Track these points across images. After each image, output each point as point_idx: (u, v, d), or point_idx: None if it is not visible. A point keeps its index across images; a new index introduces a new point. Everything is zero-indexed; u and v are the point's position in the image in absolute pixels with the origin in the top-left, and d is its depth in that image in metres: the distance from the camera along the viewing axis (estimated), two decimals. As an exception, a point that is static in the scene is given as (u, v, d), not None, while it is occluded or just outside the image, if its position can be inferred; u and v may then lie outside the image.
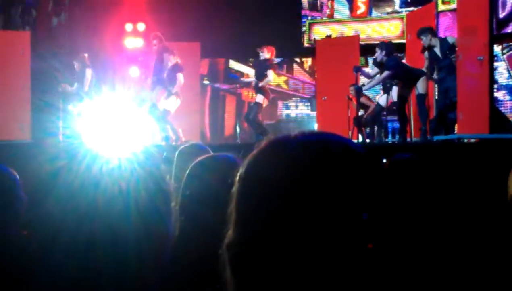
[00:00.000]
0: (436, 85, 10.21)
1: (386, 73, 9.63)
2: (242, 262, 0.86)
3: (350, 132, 10.09)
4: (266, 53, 10.83)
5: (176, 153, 3.35)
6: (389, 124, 11.76)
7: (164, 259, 1.13)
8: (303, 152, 0.87)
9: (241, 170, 0.91)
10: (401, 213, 2.62)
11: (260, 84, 10.63)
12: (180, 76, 10.67)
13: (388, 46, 9.95)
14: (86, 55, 11.41)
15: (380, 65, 9.92)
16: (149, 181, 1.11)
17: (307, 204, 0.82)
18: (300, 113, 15.30)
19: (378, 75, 10.05)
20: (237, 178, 0.91)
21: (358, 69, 10.17)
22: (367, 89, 10.51)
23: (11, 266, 2.35)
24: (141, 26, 13.45)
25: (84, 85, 11.16)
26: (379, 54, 9.84)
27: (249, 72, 15.20)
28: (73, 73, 11.42)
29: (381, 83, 10.26)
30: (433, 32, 9.99)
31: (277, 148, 0.90)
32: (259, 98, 10.73)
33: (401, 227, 2.60)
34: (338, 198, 0.83)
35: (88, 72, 11.18)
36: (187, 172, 2.19)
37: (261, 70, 10.79)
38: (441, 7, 13.70)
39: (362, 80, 10.70)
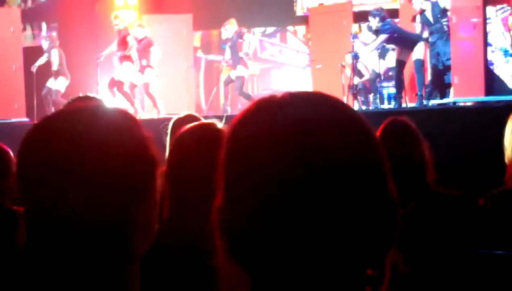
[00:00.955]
0: (428, 50, 10.18)
1: (381, 37, 9.57)
2: (230, 225, 0.85)
3: (345, 98, 10.06)
4: (231, 27, 10.88)
5: (170, 123, 3.34)
6: (385, 91, 11.73)
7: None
8: (289, 110, 0.85)
9: (228, 129, 0.89)
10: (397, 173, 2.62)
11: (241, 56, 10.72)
12: (154, 50, 10.72)
13: (381, 12, 9.88)
14: (53, 34, 11.36)
15: (376, 32, 9.85)
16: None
17: (293, 164, 0.80)
18: (295, 83, 15.24)
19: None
20: (225, 140, 0.88)
21: (355, 36, 10.13)
22: (365, 55, 10.42)
23: (4, 242, 2.35)
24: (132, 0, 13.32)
25: (53, 65, 11.09)
26: (373, 22, 9.76)
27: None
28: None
29: (377, 50, 10.20)
30: None
31: (263, 107, 0.88)
32: (241, 70, 10.79)
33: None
34: (326, 157, 0.81)
35: (55, 52, 11.08)
36: (177, 140, 2.20)
37: (234, 44, 10.78)
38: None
39: (357, 48, 10.64)
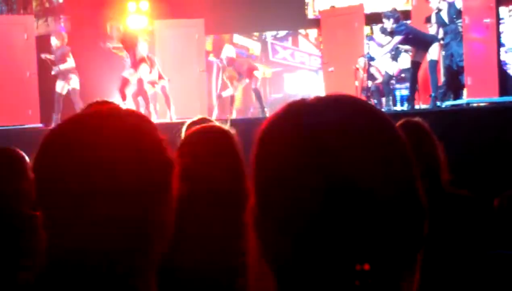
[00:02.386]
0: (442, 51, 10.14)
1: (396, 38, 9.52)
2: (263, 224, 0.86)
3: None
4: None
5: (184, 127, 3.34)
6: (398, 93, 11.69)
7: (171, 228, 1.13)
8: (317, 116, 0.85)
9: (259, 134, 0.89)
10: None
11: None
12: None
13: (395, 13, 9.85)
14: (64, 33, 11.34)
15: (391, 33, 9.81)
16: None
17: (322, 168, 0.80)
18: (307, 86, 15.23)
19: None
20: (255, 143, 0.89)
21: (370, 38, 10.10)
22: (381, 56, 10.36)
23: (22, 246, 2.37)
24: (144, 5, 13.37)
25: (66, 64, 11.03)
26: (388, 23, 9.71)
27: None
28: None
29: (391, 52, 10.16)
30: None
31: (291, 112, 0.88)
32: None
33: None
34: (357, 159, 0.81)
35: (67, 49, 11.04)
36: (184, 140, 2.23)
37: None
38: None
39: (371, 50, 10.61)
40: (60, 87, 10.92)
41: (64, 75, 10.88)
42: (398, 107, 10.83)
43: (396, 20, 9.59)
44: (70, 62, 10.89)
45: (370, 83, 10.66)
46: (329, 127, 0.83)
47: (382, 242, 0.80)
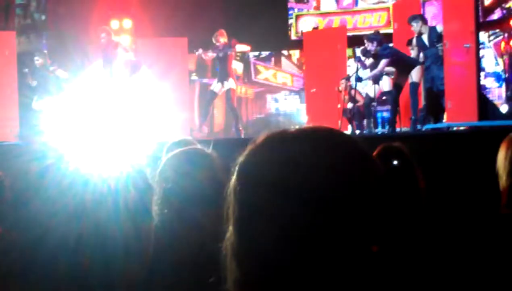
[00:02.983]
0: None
1: (383, 61, 9.58)
2: (243, 258, 0.87)
3: (339, 122, 10.08)
4: (222, 39, 10.87)
5: (165, 148, 3.33)
6: (379, 115, 11.77)
7: (149, 254, 1.12)
8: (300, 146, 0.87)
9: (238, 166, 0.89)
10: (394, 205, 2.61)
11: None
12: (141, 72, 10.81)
13: (378, 36, 9.93)
14: (45, 52, 11.30)
15: (374, 56, 9.88)
16: (136, 177, 1.10)
17: (306, 199, 0.82)
18: (289, 107, 15.28)
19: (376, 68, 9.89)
20: (234, 175, 0.90)
21: (359, 59, 10.16)
22: (368, 78, 10.39)
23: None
24: (127, 23, 13.38)
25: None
26: (371, 46, 9.76)
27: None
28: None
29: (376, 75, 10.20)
30: (424, 19, 10.01)
31: (274, 144, 0.89)
32: (232, 83, 10.84)
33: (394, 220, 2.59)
34: (339, 190, 0.83)
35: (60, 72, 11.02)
36: (164, 165, 2.21)
37: (225, 56, 10.90)
38: (427, -5, 13.73)
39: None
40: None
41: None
42: (379, 130, 10.89)
43: (379, 43, 9.67)
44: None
45: (351, 105, 10.72)
46: (304, 160, 0.84)
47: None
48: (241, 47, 11.17)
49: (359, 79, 9.99)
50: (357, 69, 10.02)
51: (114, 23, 13.31)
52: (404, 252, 2.49)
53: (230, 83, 10.82)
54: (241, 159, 0.90)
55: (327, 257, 0.82)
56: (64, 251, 1.02)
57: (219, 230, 2.07)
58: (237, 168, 0.90)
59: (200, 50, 11.26)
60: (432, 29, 9.74)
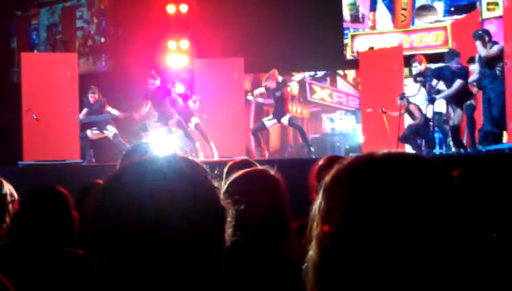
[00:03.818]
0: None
1: (460, 82, 9.37)
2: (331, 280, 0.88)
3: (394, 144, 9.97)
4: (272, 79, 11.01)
5: (226, 169, 3.34)
6: (436, 135, 11.57)
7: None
8: (394, 171, 0.89)
9: (327, 184, 0.93)
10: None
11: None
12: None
13: (455, 54, 9.71)
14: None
15: (438, 76, 9.72)
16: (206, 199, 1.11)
17: (417, 229, 0.85)
18: (345, 127, 15.20)
19: (448, 87, 9.69)
20: (322, 192, 0.93)
21: (426, 79, 9.97)
22: (442, 98, 10.20)
23: (70, 285, 2.37)
24: (184, 44, 13.59)
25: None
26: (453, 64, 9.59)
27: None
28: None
29: (426, 94, 10.06)
30: (490, 36, 9.75)
31: (366, 167, 0.91)
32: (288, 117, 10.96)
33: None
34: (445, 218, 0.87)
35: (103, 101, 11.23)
36: (230, 186, 2.21)
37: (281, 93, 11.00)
38: (486, 14, 13.47)
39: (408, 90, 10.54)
40: (91, 133, 11.10)
41: (101, 125, 11.08)
42: (437, 150, 10.70)
43: (457, 61, 9.51)
44: (106, 114, 11.09)
45: (407, 122, 10.62)
46: (395, 189, 0.87)
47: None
48: (294, 84, 11.21)
49: (432, 100, 9.80)
50: (428, 89, 9.84)
51: (172, 44, 13.54)
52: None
53: (287, 117, 10.89)
54: (328, 178, 0.92)
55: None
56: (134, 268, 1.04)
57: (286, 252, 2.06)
58: (324, 183, 0.92)
59: (255, 93, 11.46)
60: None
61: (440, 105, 10.43)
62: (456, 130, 9.62)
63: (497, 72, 9.35)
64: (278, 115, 10.94)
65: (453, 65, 9.56)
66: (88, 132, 11.09)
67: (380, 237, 0.84)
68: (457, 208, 0.88)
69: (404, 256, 0.83)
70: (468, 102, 9.45)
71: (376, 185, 0.87)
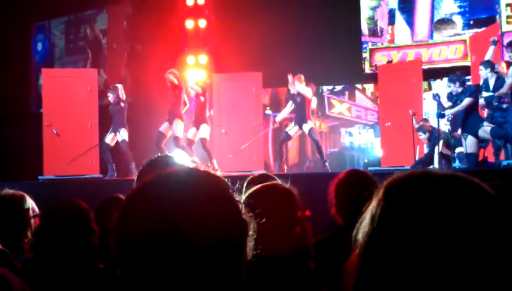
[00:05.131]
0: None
1: (469, 100, 9.26)
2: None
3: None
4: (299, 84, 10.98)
5: (245, 183, 3.34)
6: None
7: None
8: (447, 191, 0.92)
9: (385, 194, 0.96)
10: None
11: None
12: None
13: (460, 77, 9.63)
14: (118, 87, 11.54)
15: (451, 97, 9.65)
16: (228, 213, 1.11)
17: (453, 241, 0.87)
18: (364, 141, 15.15)
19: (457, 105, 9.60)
20: (378, 205, 0.95)
21: (437, 96, 9.88)
22: (450, 114, 10.13)
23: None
24: (203, 59, 13.66)
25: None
26: (453, 87, 9.51)
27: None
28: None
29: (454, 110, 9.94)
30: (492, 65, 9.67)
31: (423, 182, 0.94)
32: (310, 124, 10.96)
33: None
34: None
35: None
36: (249, 199, 2.22)
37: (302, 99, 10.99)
38: (506, 27, 13.41)
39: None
40: (108, 139, 11.22)
41: (115, 128, 11.20)
42: (457, 165, 10.61)
43: (462, 84, 9.42)
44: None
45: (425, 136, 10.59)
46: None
47: None
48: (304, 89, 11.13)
49: (441, 115, 9.75)
50: (437, 106, 9.78)
51: (190, 59, 13.62)
52: None
53: (309, 125, 10.85)
54: (384, 190, 0.96)
55: None
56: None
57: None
58: (378, 199, 0.96)
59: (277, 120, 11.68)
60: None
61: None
62: (473, 159, 9.35)
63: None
64: (300, 121, 10.95)
65: (454, 90, 9.47)
66: (106, 139, 11.20)
67: (423, 254, 0.86)
68: (500, 227, 0.89)
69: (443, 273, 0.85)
70: (483, 126, 9.22)
71: (431, 203, 0.90)
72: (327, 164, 10.61)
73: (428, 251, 0.86)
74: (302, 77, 11.02)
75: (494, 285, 0.84)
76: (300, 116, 10.97)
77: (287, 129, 11.24)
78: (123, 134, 11.17)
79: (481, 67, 9.53)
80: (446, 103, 9.69)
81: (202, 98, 11.26)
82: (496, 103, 9.39)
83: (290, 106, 11.23)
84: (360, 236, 0.96)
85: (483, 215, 0.89)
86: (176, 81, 11.14)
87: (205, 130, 11.15)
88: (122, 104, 11.27)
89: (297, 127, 10.98)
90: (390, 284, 0.87)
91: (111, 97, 11.33)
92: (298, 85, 10.93)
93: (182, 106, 11.28)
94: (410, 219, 0.89)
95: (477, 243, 0.86)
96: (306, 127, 10.84)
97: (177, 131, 11.04)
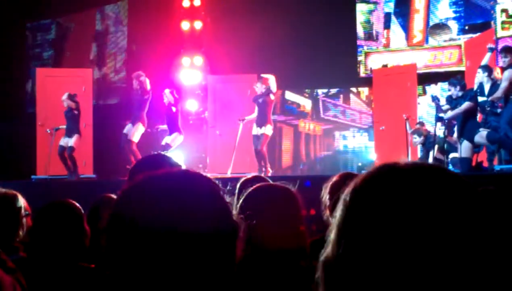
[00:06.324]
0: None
1: (468, 103, 9.27)
2: (345, 279, 0.88)
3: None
4: (262, 85, 10.83)
5: (238, 185, 3.35)
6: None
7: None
8: (417, 180, 0.89)
9: (351, 193, 0.92)
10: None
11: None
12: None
13: (460, 81, 9.64)
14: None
15: (451, 101, 9.66)
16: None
17: (421, 231, 0.84)
18: (358, 144, 15.16)
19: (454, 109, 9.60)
20: (346, 201, 0.92)
21: (436, 99, 9.89)
22: (448, 119, 10.13)
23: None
24: (198, 60, 13.66)
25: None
26: (454, 91, 9.52)
27: (305, 103, 15.21)
28: None
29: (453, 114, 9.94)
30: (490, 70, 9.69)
31: (391, 175, 0.92)
32: (269, 129, 10.76)
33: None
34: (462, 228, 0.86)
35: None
36: (245, 201, 2.22)
37: (264, 100, 10.84)
38: (501, 33, 13.45)
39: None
40: (127, 129, 11.07)
41: (133, 119, 11.07)
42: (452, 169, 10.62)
43: (462, 88, 9.43)
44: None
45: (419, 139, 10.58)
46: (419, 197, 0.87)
47: None
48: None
49: (439, 119, 9.76)
50: (436, 109, 9.79)
51: (186, 61, 13.62)
52: None
53: (267, 129, 10.77)
54: (355, 183, 0.94)
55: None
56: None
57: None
58: (349, 191, 0.93)
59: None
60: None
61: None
62: (467, 164, 9.35)
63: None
64: (260, 123, 10.86)
65: (454, 94, 9.48)
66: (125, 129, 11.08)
67: (402, 246, 0.85)
68: (482, 221, 0.87)
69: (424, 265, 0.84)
70: (480, 131, 9.22)
71: (401, 194, 0.88)
72: (264, 170, 10.53)
73: (397, 249, 0.84)
74: (271, 79, 10.92)
75: (464, 272, 0.84)
76: (260, 118, 10.86)
77: (252, 132, 11.09)
78: (129, 128, 10.96)
79: (479, 70, 9.53)
80: (444, 106, 9.72)
81: (173, 109, 11.15)
82: (489, 108, 9.41)
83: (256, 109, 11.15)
84: (328, 244, 0.94)
85: (453, 201, 0.87)
86: (148, 87, 10.99)
87: (177, 139, 11.10)
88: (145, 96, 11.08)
89: (258, 128, 10.89)
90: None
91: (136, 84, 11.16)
92: (260, 87, 10.87)
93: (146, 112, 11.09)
94: (377, 216, 0.87)
95: (451, 231, 0.84)
96: (263, 130, 10.76)
97: (134, 135, 10.93)
